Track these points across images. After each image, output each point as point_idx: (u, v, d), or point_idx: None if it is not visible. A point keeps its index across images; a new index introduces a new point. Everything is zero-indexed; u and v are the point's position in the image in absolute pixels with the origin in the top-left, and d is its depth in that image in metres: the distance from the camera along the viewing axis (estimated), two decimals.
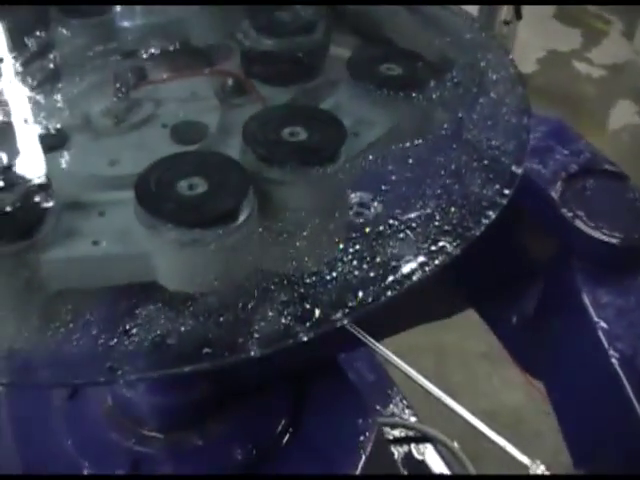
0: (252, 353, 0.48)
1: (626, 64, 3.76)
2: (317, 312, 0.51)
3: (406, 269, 0.57)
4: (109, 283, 0.58)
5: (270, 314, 0.51)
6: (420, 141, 0.66)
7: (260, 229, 0.58)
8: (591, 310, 0.80)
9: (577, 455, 0.85)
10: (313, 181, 0.60)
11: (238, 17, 0.81)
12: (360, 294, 0.54)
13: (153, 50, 0.79)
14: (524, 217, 0.90)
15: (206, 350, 0.48)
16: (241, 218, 0.55)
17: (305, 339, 0.49)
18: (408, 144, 0.67)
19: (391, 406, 1.35)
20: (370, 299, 0.54)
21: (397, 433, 1.28)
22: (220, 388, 0.86)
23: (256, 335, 0.49)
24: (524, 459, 0.94)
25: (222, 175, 0.58)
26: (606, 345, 0.76)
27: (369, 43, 0.85)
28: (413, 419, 1.33)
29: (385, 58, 0.76)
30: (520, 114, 0.72)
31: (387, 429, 1.28)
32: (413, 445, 1.27)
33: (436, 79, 0.73)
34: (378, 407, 1.35)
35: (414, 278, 0.55)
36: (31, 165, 0.62)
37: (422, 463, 1.26)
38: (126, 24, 0.82)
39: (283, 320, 0.50)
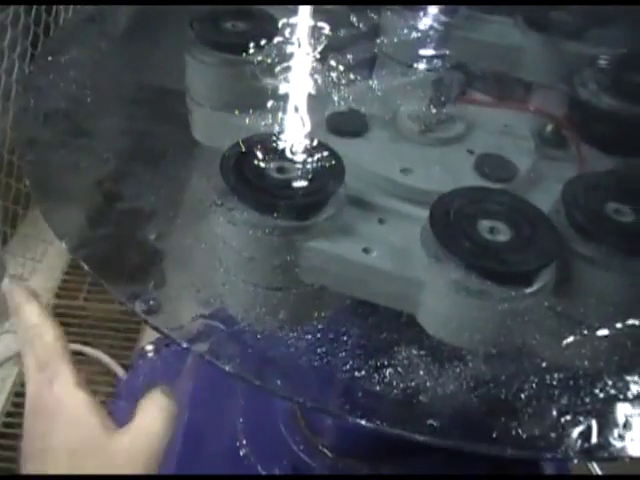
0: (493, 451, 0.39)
1: None
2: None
3: None
4: (362, 296, 0.52)
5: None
6: None
7: (547, 305, 0.50)
8: None
9: None
10: (631, 272, 0.50)
11: (582, 64, 0.73)
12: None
13: (482, 69, 0.72)
14: None
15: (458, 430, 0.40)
16: (535, 286, 0.47)
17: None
18: None
19: None
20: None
21: None
22: None
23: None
24: None
25: (532, 230, 0.50)
26: None
27: None
28: None
29: None
30: None
31: None
32: None
33: None
34: None
35: None
36: (329, 143, 0.56)
37: None
38: (461, 34, 0.76)
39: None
